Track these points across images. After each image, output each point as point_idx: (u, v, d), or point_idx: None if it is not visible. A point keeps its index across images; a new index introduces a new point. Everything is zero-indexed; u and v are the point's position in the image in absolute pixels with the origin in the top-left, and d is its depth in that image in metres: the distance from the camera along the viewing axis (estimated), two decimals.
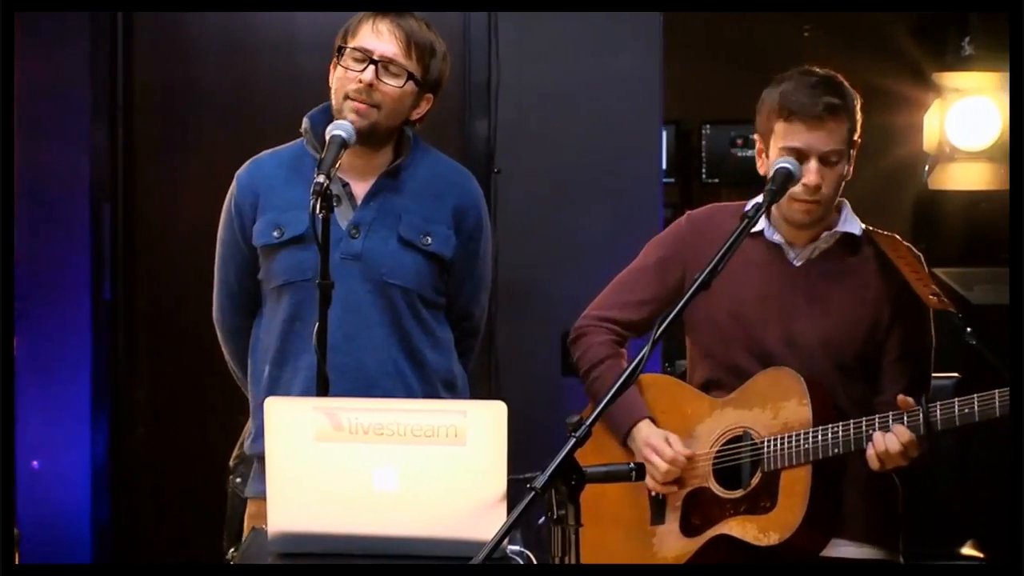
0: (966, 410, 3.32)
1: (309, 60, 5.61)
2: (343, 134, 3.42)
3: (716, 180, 6.76)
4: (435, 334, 3.78)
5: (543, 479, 2.71)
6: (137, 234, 5.65)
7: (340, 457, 2.71)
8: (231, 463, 4.17)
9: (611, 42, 5.43)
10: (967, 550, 4.96)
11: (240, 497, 4.07)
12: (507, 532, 2.65)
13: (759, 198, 3.48)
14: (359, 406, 2.75)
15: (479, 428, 2.70)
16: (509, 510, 2.73)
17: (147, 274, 5.67)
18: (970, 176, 6.16)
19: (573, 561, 2.73)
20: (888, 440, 3.39)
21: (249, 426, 3.87)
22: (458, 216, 3.77)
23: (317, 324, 3.30)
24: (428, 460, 2.71)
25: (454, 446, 2.70)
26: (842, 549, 3.56)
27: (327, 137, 3.43)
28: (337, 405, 2.73)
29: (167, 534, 5.64)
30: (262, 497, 3.68)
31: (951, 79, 6.13)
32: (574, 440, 2.77)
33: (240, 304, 3.82)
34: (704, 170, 6.75)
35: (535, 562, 2.75)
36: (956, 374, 4.93)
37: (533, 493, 2.68)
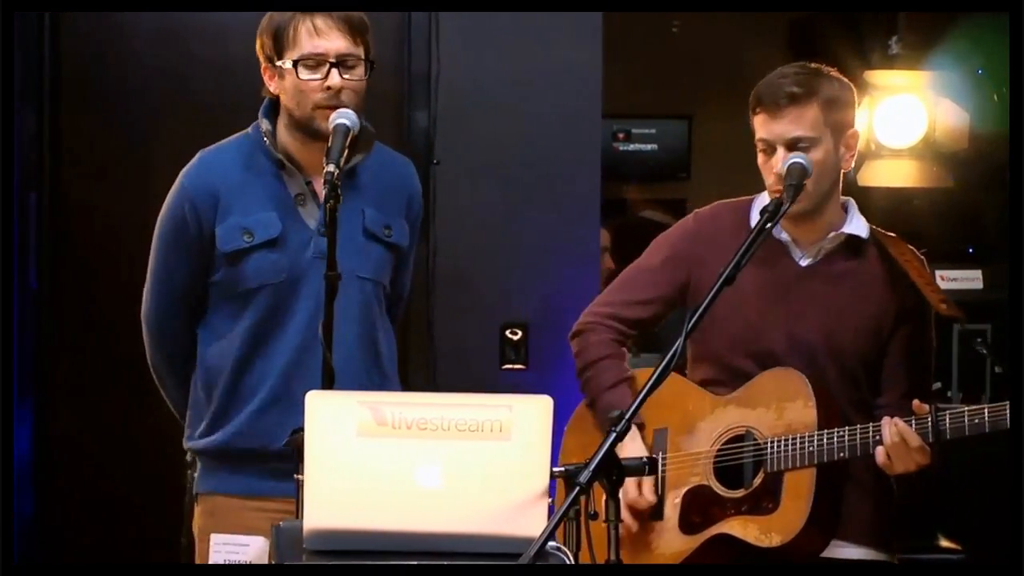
0: (976, 420, 3.31)
1: (242, 48, 5.49)
2: (347, 123, 3.38)
3: None
4: (386, 325, 3.79)
5: (586, 474, 2.70)
6: (64, 223, 5.51)
7: (382, 452, 2.65)
8: (188, 458, 4.07)
9: (552, 37, 5.41)
10: (944, 542, 5.03)
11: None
12: (554, 529, 2.63)
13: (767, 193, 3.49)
14: (404, 400, 2.70)
15: (524, 423, 2.66)
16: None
17: (74, 263, 5.52)
18: (897, 173, 6.25)
19: (613, 558, 2.72)
20: (904, 431, 3.38)
21: (195, 423, 3.79)
22: (408, 205, 3.80)
23: (323, 319, 3.23)
24: (471, 455, 2.66)
25: (498, 441, 2.65)
26: (842, 550, 3.56)
27: (330, 127, 3.39)
28: (381, 399, 2.67)
29: (94, 531, 5.50)
30: (215, 492, 3.73)
31: (879, 77, 6.22)
32: (615, 434, 2.75)
33: (187, 308, 3.73)
34: None
35: (573, 560, 2.71)
36: None
37: (578, 489, 2.67)
